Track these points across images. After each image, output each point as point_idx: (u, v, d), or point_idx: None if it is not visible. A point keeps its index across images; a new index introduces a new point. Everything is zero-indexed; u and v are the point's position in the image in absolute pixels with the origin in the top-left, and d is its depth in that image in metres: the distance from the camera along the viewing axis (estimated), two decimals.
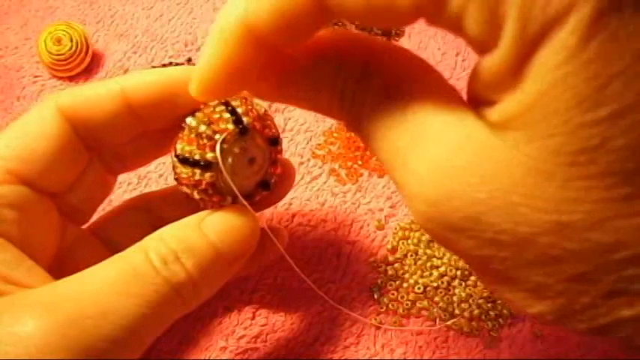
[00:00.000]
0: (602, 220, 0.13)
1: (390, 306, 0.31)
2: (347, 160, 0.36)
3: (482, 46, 0.14)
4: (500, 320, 0.31)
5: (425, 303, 0.31)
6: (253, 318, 0.31)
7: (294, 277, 0.32)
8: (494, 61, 0.14)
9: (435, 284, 0.32)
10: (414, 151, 0.16)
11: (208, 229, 0.22)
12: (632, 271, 0.14)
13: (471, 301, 0.31)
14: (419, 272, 0.32)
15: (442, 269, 0.32)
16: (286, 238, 0.28)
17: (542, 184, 0.14)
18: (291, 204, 0.34)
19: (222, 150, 0.22)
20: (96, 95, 0.23)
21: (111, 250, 0.21)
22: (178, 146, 0.22)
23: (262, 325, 0.31)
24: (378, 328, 0.31)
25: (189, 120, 0.22)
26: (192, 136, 0.22)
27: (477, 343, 0.31)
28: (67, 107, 0.23)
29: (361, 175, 0.36)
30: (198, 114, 0.22)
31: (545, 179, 0.14)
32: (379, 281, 0.32)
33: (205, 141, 0.22)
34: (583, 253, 0.14)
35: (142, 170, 0.35)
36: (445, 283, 0.32)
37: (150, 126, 0.24)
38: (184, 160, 0.22)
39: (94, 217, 0.28)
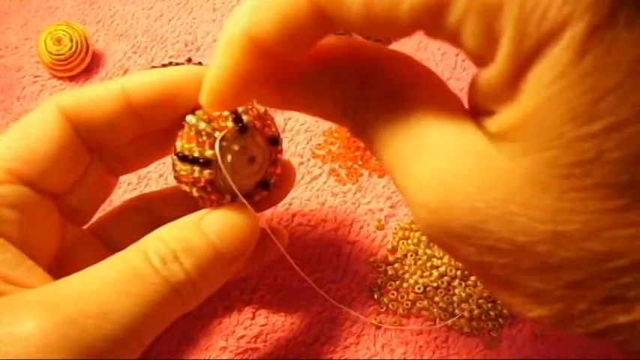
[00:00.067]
0: (597, 230, 0.14)
1: (390, 306, 0.31)
2: (347, 160, 0.36)
3: (480, 59, 0.15)
4: (501, 320, 0.31)
5: (425, 303, 0.31)
6: (253, 318, 0.31)
7: (294, 277, 0.32)
8: (491, 74, 0.14)
9: (435, 284, 0.32)
10: (415, 159, 0.16)
11: (207, 228, 0.22)
12: (627, 279, 0.14)
13: (470, 301, 0.31)
14: (419, 272, 0.32)
15: (442, 269, 0.32)
16: (286, 238, 0.28)
17: (538, 195, 0.14)
18: (291, 204, 0.34)
19: (221, 147, 0.22)
20: (97, 96, 0.23)
21: (111, 251, 0.21)
22: (178, 144, 0.22)
23: (262, 325, 0.31)
24: (378, 328, 0.31)
25: (189, 118, 0.22)
26: (192, 133, 0.22)
27: (477, 343, 0.31)
28: (69, 108, 0.23)
29: (361, 175, 0.36)
30: (198, 112, 0.22)
31: (541, 190, 0.14)
32: (379, 281, 0.32)
33: (205, 138, 0.22)
34: (579, 261, 0.14)
35: (141, 170, 0.35)
36: (445, 283, 0.32)
37: (151, 126, 0.24)
38: (184, 158, 0.22)
39: (95, 218, 0.28)
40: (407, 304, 0.31)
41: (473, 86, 0.16)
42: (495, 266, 0.15)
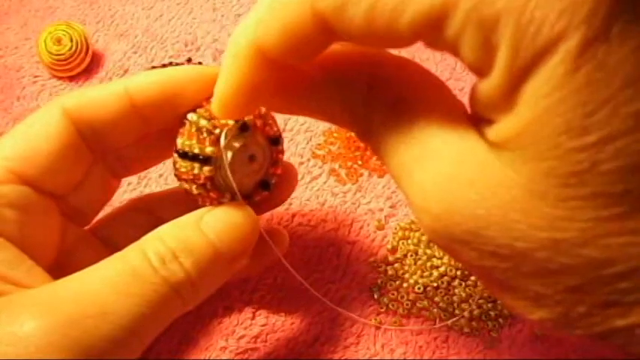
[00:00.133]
0: (594, 238, 0.14)
1: (390, 306, 0.31)
2: (347, 160, 0.36)
3: (478, 70, 0.15)
4: (501, 320, 0.31)
5: (425, 303, 0.31)
6: (253, 318, 0.31)
7: (294, 277, 0.32)
8: (489, 85, 0.15)
9: (435, 284, 0.32)
10: (419, 166, 0.17)
11: (207, 228, 0.22)
12: (624, 285, 0.14)
13: (470, 301, 0.31)
14: (419, 272, 0.32)
15: (442, 269, 0.32)
16: (287, 239, 0.28)
17: (537, 203, 0.14)
18: (291, 204, 0.34)
19: (222, 145, 0.22)
20: (100, 96, 0.23)
21: (111, 251, 0.21)
22: (179, 141, 0.22)
23: (262, 325, 0.31)
24: (378, 328, 0.31)
25: (190, 115, 0.22)
26: (193, 130, 0.22)
27: (477, 343, 0.31)
28: (72, 109, 0.23)
29: (361, 175, 0.36)
30: (199, 110, 0.22)
31: (539, 198, 0.14)
32: (379, 281, 0.32)
33: (205, 135, 0.22)
34: (577, 267, 0.14)
35: None
36: (445, 283, 0.32)
37: (153, 127, 0.24)
38: (184, 155, 0.22)
39: (96, 218, 0.28)
40: (407, 304, 0.31)
41: (472, 95, 0.16)
42: (497, 270, 0.16)
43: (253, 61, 0.18)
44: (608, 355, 0.29)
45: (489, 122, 0.16)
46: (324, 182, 0.35)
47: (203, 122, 0.22)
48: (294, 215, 0.34)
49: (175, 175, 0.23)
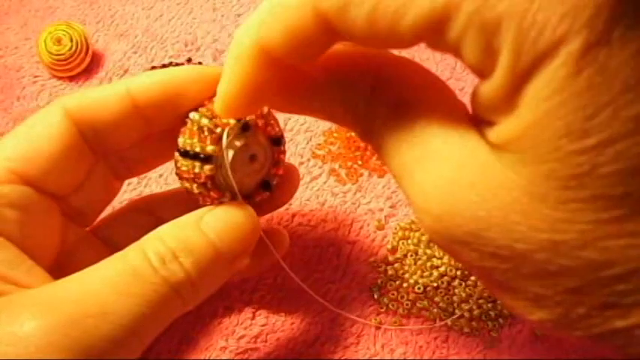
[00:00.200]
0: (593, 240, 0.14)
1: (390, 306, 0.31)
2: (347, 160, 0.36)
3: (480, 72, 0.15)
4: (501, 320, 0.31)
5: (425, 303, 0.31)
6: (253, 318, 0.31)
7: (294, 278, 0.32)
8: (490, 87, 0.15)
9: (435, 284, 0.32)
10: (420, 167, 0.17)
11: (207, 227, 0.22)
12: (623, 287, 0.14)
13: (470, 301, 0.31)
14: (419, 272, 0.32)
15: (442, 269, 0.32)
16: (287, 240, 0.28)
17: (537, 205, 0.14)
18: (291, 204, 0.34)
19: (223, 144, 0.22)
20: (102, 97, 0.23)
21: (112, 251, 0.21)
22: (180, 140, 0.22)
23: (262, 325, 0.31)
24: (378, 328, 0.31)
25: (192, 114, 0.22)
26: (194, 129, 0.22)
27: (477, 343, 0.31)
28: (74, 109, 0.23)
29: (361, 175, 0.36)
30: (201, 109, 0.22)
31: (539, 200, 0.14)
32: (379, 281, 0.32)
33: (207, 134, 0.22)
34: (576, 269, 0.15)
35: None
36: (445, 283, 0.32)
37: (155, 127, 0.24)
38: (185, 153, 0.22)
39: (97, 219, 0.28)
40: (407, 304, 0.31)
41: (474, 97, 0.16)
42: (497, 271, 0.16)
43: (256, 61, 0.18)
44: (608, 355, 0.29)
45: (490, 124, 0.16)
46: (324, 182, 0.35)
47: (205, 121, 0.22)
48: (294, 215, 0.34)
49: (176, 174, 0.23)
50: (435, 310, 0.31)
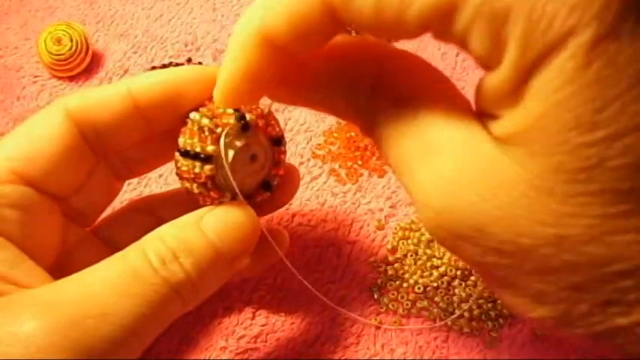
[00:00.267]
0: (599, 235, 0.14)
1: (390, 306, 0.31)
2: (347, 160, 0.36)
3: (486, 63, 0.15)
4: (501, 320, 0.31)
5: (425, 303, 0.31)
6: (253, 318, 0.31)
7: (294, 277, 0.32)
8: (497, 79, 0.15)
9: (435, 284, 0.32)
10: (422, 161, 0.17)
11: (207, 228, 0.22)
12: (627, 283, 0.14)
13: (470, 301, 0.31)
14: (419, 272, 0.32)
15: (442, 269, 0.32)
16: (287, 240, 0.28)
17: (542, 199, 0.14)
18: (291, 204, 0.34)
19: (223, 144, 0.22)
20: (103, 97, 0.23)
21: (112, 252, 0.21)
22: (180, 140, 0.22)
23: (262, 325, 0.31)
24: (378, 328, 0.31)
25: (192, 114, 0.22)
26: (195, 129, 0.22)
27: (477, 343, 0.31)
28: (75, 110, 0.23)
29: (361, 175, 0.36)
30: (202, 109, 0.22)
31: (546, 194, 0.14)
32: (379, 281, 0.32)
33: (207, 134, 0.22)
34: (581, 264, 0.14)
35: None
36: (445, 283, 0.32)
37: (156, 128, 0.24)
38: (185, 153, 0.22)
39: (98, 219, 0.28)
40: (407, 304, 0.31)
41: (479, 90, 0.16)
42: (499, 267, 0.16)
43: (259, 49, 0.17)
44: (608, 355, 0.29)
45: (495, 117, 0.16)
46: (324, 182, 0.35)
47: (205, 121, 0.22)
48: (294, 215, 0.34)
49: (177, 174, 0.23)
50: (435, 310, 0.31)
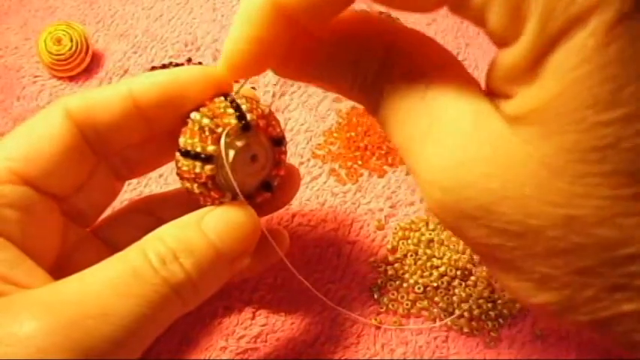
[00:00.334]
0: (609, 217, 0.14)
1: (390, 306, 0.31)
2: (347, 160, 0.36)
3: (503, 39, 0.15)
4: (501, 320, 0.31)
5: (425, 303, 0.31)
6: (253, 318, 0.31)
7: (294, 277, 0.32)
8: (514, 55, 0.14)
9: (435, 284, 0.32)
10: (431, 138, 0.16)
11: (208, 228, 0.22)
12: (635, 268, 0.14)
13: (470, 301, 0.31)
14: (419, 272, 0.32)
15: (442, 269, 0.32)
16: (287, 240, 0.28)
17: (552, 179, 0.14)
18: (291, 204, 0.34)
19: (223, 144, 0.22)
20: (104, 98, 0.23)
21: (112, 252, 0.21)
22: (181, 140, 0.22)
23: (262, 325, 0.31)
24: (378, 328, 0.31)
25: (193, 114, 0.22)
26: (196, 129, 0.22)
27: (477, 343, 0.31)
28: (76, 110, 0.23)
29: (361, 175, 0.36)
30: (202, 109, 0.22)
31: (556, 174, 0.14)
32: (379, 281, 0.32)
33: (208, 134, 0.22)
34: (589, 247, 0.14)
35: None
36: (445, 283, 0.32)
37: (157, 128, 0.24)
38: (186, 153, 0.22)
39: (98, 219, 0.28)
40: (407, 304, 0.31)
41: (492, 68, 0.16)
42: (504, 249, 0.16)
43: (268, 18, 0.17)
44: (609, 355, 0.29)
45: (507, 97, 0.15)
46: (324, 182, 0.35)
47: (206, 121, 0.22)
48: (294, 215, 0.34)
49: (177, 174, 0.23)
50: (435, 310, 0.31)
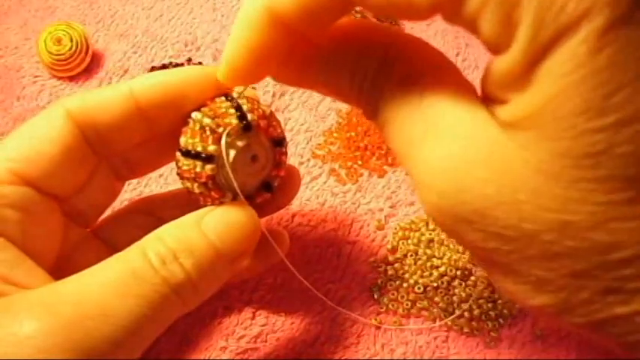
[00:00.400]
0: (603, 221, 0.14)
1: (390, 306, 0.31)
2: (347, 160, 0.36)
3: (496, 47, 0.15)
4: (501, 320, 0.31)
5: (425, 303, 0.31)
6: (253, 318, 0.31)
7: (294, 277, 0.32)
8: (506, 62, 0.15)
9: (435, 284, 0.32)
10: (428, 143, 0.16)
11: (208, 228, 0.22)
12: (628, 272, 0.14)
13: (470, 301, 0.31)
14: (419, 272, 0.32)
15: (442, 269, 0.32)
16: (287, 241, 0.28)
17: (547, 184, 0.14)
18: (291, 204, 0.34)
19: (224, 143, 0.22)
20: (105, 98, 0.23)
21: (113, 252, 0.21)
22: (182, 139, 0.22)
23: (262, 325, 0.31)
24: (378, 328, 0.31)
25: (194, 114, 0.23)
26: (197, 128, 0.22)
27: (477, 343, 0.31)
28: (76, 111, 0.23)
29: (361, 175, 0.36)
30: (204, 109, 0.23)
31: (551, 179, 0.14)
32: (379, 281, 0.32)
33: (208, 133, 0.22)
34: (583, 251, 0.14)
35: None
36: (445, 283, 0.32)
37: (158, 128, 0.24)
38: (186, 153, 0.22)
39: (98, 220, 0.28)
40: (407, 304, 0.31)
41: (487, 74, 0.16)
42: (500, 253, 0.16)
43: (266, 27, 0.17)
44: (609, 354, 0.29)
45: (502, 102, 0.16)
46: (324, 182, 0.35)
47: (207, 121, 0.22)
48: (294, 215, 0.34)
49: (178, 174, 0.23)
50: (435, 310, 0.31)
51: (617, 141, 0.13)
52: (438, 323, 0.31)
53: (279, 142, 0.24)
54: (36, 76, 0.39)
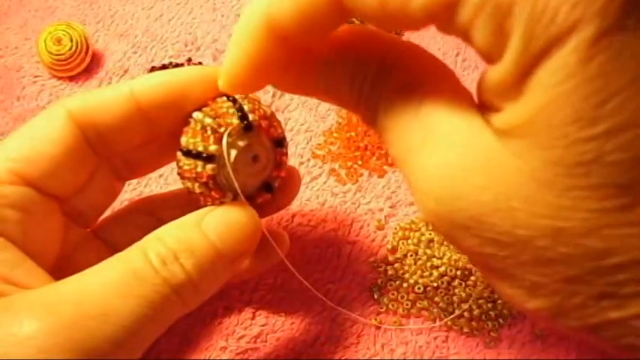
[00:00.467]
0: (595, 228, 0.14)
1: (390, 306, 0.31)
2: (347, 160, 0.36)
3: (489, 56, 0.15)
4: (501, 320, 0.31)
5: (425, 303, 0.31)
6: (253, 318, 0.31)
7: (294, 278, 0.32)
8: (499, 72, 0.15)
9: (435, 284, 0.32)
10: (425, 150, 0.17)
11: (208, 228, 0.22)
12: (622, 277, 0.14)
13: (470, 301, 0.31)
14: (419, 272, 0.32)
15: (442, 269, 0.32)
16: (287, 241, 0.28)
17: (541, 192, 0.14)
18: (291, 204, 0.34)
19: (225, 143, 0.22)
20: (106, 99, 0.23)
21: (113, 252, 0.21)
22: (183, 139, 0.22)
23: (262, 325, 0.31)
24: (378, 328, 0.31)
25: (195, 114, 0.23)
26: (198, 128, 0.22)
27: (477, 343, 0.31)
28: (77, 111, 0.23)
29: (361, 175, 0.36)
30: (205, 109, 0.23)
31: (544, 187, 0.14)
32: (379, 281, 0.32)
33: (210, 133, 0.22)
34: (576, 257, 0.15)
35: None
36: (445, 283, 0.32)
37: (158, 129, 0.24)
38: (187, 153, 0.22)
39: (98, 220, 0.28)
40: (407, 304, 0.31)
41: (481, 82, 0.16)
42: (496, 258, 0.16)
43: (264, 37, 0.18)
44: (609, 354, 0.30)
45: (497, 110, 0.16)
46: (324, 182, 0.35)
47: (208, 120, 0.22)
48: (294, 215, 0.34)
49: (178, 174, 0.23)
50: (435, 310, 0.31)
51: (608, 149, 0.13)
52: (438, 323, 0.31)
53: (280, 143, 0.24)
54: (36, 76, 0.39)
